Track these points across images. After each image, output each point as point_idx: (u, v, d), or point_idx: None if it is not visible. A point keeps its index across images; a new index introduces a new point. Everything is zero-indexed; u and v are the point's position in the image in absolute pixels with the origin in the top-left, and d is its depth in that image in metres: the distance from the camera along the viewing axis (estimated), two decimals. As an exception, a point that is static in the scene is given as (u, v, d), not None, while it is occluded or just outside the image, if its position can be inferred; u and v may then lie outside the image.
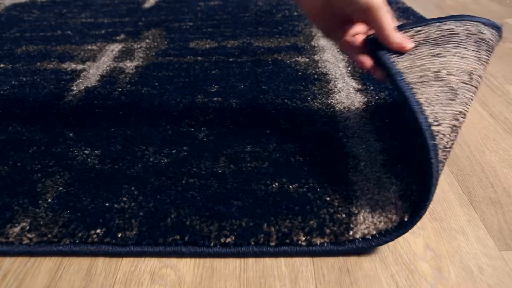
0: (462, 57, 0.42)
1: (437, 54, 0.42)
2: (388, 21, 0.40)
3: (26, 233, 0.41)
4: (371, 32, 0.45)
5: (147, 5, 1.15)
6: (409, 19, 0.96)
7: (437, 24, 0.45)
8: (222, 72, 0.73)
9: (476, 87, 0.42)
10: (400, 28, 0.45)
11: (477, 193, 0.46)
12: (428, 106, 0.38)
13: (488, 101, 0.64)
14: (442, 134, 0.36)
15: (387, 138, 0.53)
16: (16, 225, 0.42)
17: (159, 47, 0.85)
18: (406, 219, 0.39)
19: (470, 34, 0.45)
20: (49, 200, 0.44)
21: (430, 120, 0.37)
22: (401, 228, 0.38)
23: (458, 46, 0.43)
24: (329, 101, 0.62)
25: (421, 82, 0.40)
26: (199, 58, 0.79)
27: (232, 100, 0.64)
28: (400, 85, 0.39)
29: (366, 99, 0.63)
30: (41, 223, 0.42)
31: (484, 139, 0.55)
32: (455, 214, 0.43)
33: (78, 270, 0.38)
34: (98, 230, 0.41)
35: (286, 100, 0.63)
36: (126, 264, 0.39)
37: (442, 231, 0.41)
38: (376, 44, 0.43)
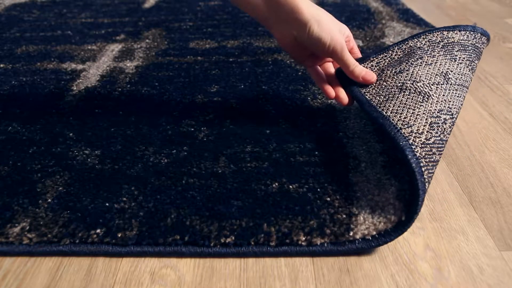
0: (427, 64, 0.46)
1: (400, 71, 0.47)
2: (351, 60, 0.46)
3: (26, 233, 0.41)
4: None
5: (147, 5, 1.15)
6: (409, 21, 0.96)
7: (398, 46, 0.51)
8: (222, 72, 0.73)
9: (460, 84, 0.45)
10: (364, 59, 0.51)
11: (477, 193, 0.46)
12: (396, 115, 0.42)
13: (488, 101, 0.64)
14: (416, 133, 0.39)
15: (387, 139, 0.53)
16: (16, 225, 0.42)
17: (159, 47, 0.85)
18: (403, 218, 0.39)
19: (434, 43, 0.49)
20: (49, 200, 0.44)
21: (399, 125, 0.40)
22: (399, 228, 0.39)
23: (421, 57, 0.48)
24: (329, 101, 0.62)
25: (387, 99, 0.44)
26: (199, 58, 0.79)
27: (232, 100, 0.64)
28: (368, 110, 0.44)
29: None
30: (41, 223, 0.42)
31: (484, 139, 0.55)
32: (455, 214, 0.43)
33: (78, 270, 0.38)
34: (98, 230, 0.41)
35: (286, 100, 0.63)
36: (126, 264, 0.39)
37: (442, 231, 0.41)
38: (345, 75, 0.49)
